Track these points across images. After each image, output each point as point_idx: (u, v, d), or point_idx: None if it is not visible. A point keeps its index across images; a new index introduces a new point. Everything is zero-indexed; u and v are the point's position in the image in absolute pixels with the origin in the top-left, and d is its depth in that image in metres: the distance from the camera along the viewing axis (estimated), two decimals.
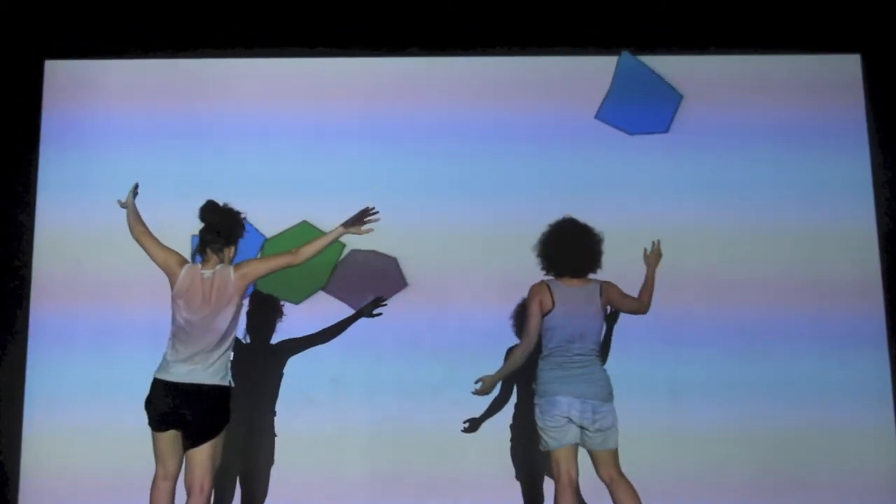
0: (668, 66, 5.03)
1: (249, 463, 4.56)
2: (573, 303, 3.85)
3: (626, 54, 5.04)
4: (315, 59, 5.06)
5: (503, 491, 4.60)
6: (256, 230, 4.69)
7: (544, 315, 3.85)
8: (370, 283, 4.78)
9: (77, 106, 5.05)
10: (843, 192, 4.87)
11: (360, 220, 3.85)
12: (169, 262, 3.76)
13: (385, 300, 4.69)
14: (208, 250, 3.75)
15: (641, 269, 4.07)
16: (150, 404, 3.63)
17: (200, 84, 5.04)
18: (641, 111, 4.99)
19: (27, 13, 5.08)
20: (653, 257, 4.14)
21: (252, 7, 5.04)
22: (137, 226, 3.89)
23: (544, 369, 3.87)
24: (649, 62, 5.04)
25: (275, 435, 4.58)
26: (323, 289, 4.80)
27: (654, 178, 4.88)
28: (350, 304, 4.78)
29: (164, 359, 3.68)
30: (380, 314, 4.68)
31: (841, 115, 4.97)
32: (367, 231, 3.89)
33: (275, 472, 4.57)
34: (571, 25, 5.00)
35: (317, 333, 4.70)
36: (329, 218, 4.54)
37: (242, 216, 3.82)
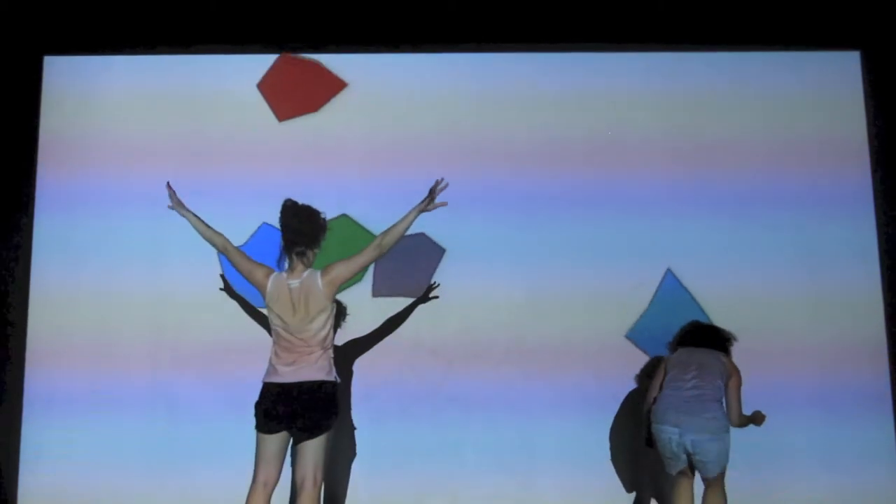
0: (666, 62, 5.02)
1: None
2: (696, 350, 4.22)
3: (670, 274, 4.86)
4: (317, 55, 5.05)
5: (499, 488, 4.69)
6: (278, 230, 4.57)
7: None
8: (413, 265, 4.82)
9: (76, 102, 5.01)
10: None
11: (432, 196, 3.83)
12: (255, 276, 3.80)
13: (437, 284, 4.77)
14: (293, 255, 3.74)
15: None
16: (259, 407, 3.69)
17: (201, 80, 5.01)
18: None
19: (26, 9, 5.00)
20: (756, 420, 4.24)
21: (253, 2, 5.01)
22: (216, 238, 3.93)
23: (659, 396, 4.12)
24: (646, 58, 4.97)
25: (354, 428, 4.73)
26: (373, 295, 4.86)
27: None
28: (405, 295, 4.83)
29: (270, 363, 3.73)
30: (436, 297, 4.76)
31: (841, 116, 4.98)
32: (443, 204, 3.84)
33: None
34: (569, 25, 5.01)
35: (379, 329, 4.78)
36: (331, 210, 4.51)
37: (322, 216, 3.79)
